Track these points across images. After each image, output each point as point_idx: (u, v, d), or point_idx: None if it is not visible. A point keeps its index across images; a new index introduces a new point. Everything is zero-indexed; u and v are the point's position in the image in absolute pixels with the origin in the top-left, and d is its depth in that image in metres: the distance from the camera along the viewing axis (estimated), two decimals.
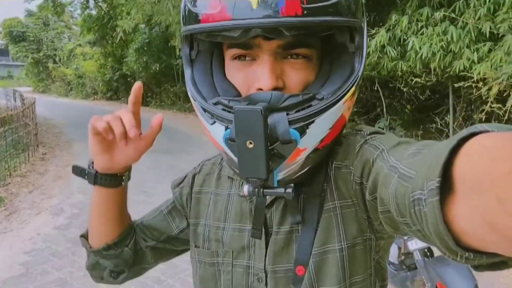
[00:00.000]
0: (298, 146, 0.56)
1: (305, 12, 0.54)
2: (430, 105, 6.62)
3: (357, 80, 0.61)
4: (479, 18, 4.61)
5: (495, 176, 0.28)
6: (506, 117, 4.52)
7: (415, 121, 6.75)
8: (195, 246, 0.79)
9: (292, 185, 0.59)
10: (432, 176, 0.35)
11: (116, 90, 19.35)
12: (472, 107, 5.92)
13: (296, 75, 0.61)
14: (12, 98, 13.14)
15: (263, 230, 0.70)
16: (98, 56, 19.22)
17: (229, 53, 0.63)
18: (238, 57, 0.63)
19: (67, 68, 24.15)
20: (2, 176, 6.07)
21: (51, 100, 21.88)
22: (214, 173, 0.82)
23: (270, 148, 0.53)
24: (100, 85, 19.84)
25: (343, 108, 0.60)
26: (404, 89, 6.11)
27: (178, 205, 0.85)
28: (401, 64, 5.66)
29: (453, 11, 4.88)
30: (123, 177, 0.77)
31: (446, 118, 6.02)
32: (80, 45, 22.53)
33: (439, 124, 5.92)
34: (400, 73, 5.94)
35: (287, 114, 0.56)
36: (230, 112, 0.58)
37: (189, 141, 9.06)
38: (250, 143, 0.50)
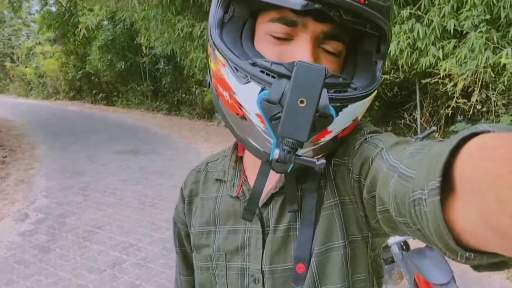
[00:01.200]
0: (327, 127, 0.56)
1: (367, 2, 0.56)
2: (398, 102, 6.78)
3: (377, 87, 0.64)
4: (443, 16, 4.76)
5: (496, 177, 0.28)
6: (471, 112, 4.69)
7: (385, 117, 6.90)
8: (193, 252, 0.79)
9: (323, 155, 0.57)
10: (432, 176, 0.35)
11: (79, 90, 18.65)
12: (439, 102, 6.11)
13: (328, 64, 0.62)
14: None
15: (260, 229, 0.69)
16: (59, 55, 18.44)
17: (268, 27, 0.62)
18: (274, 34, 0.62)
19: (26, 67, 23.05)
20: None
21: (9, 100, 20.83)
22: (200, 180, 0.82)
23: None
24: (62, 84, 19.06)
25: (367, 104, 0.62)
26: None
27: (182, 227, 0.84)
28: None
29: (419, 8, 5.00)
30: None
31: (414, 114, 6.19)
32: (39, 43, 21.54)
33: (407, 120, 6.07)
34: None
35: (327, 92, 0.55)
36: (269, 75, 0.56)
37: (158, 141, 8.88)
38: (302, 101, 0.48)
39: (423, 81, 5.33)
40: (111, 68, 14.47)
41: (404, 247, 2.41)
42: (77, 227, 4.25)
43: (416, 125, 6.16)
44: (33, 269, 3.40)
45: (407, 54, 5.22)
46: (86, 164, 7.03)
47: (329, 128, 0.57)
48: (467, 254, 0.34)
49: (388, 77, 5.69)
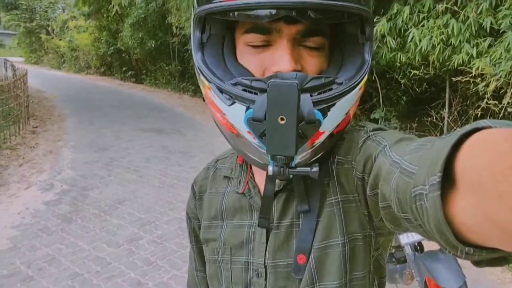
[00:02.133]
0: (319, 128, 0.57)
1: None
2: (426, 98, 6.61)
3: (368, 70, 0.63)
4: (480, 13, 4.58)
5: (496, 171, 0.28)
6: (501, 114, 4.53)
7: (411, 114, 6.75)
8: (203, 245, 0.82)
9: (317, 164, 0.57)
10: (434, 171, 0.35)
11: (110, 65, 19.01)
12: (468, 102, 5.93)
13: (312, 62, 0.63)
14: (3, 67, 12.85)
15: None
16: (93, 30, 18.77)
17: (245, 38, 0.63)
18: (252, 45, 0.63)
19: (60, 40, 23.61)
20: None
21: (43, 72, 21.48)
22: (209, 177, 0.84)
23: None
24: (94, 59, 19.47)
25: (358, 94, 0.62)
26: (402, 81, 6.09)
27: (195, 222, 0.86)
28: (400, 55, 5.62)
29: (455, 4, 4.83)
30: None
31: (441, 112, 6.02)
32: (74, 17, 22.00)
33: (434, 118, 5.92)
34: (398, 64, 5.91)
35: (311, 96, 0.56)
36: (251, 92, 0.58)
37: (182, 122, 9.00)
38: (282, 119, 0.49)
39: (454, 79, 5.17)
40: (141, 46, 14.62)
41: (418, 248, 2.40)
42: (99, 201, 4.41)
43: (443, 124, 6.01)
44: (55, 237, 3.57)
45: (440, 50, 5.06)
46: (112, 139, 7.23)
47: (321, 129, 0.58)
48: (467, 249, 0.34)
49: (417, 72, 5.54)
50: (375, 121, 7.03)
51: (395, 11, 5.41)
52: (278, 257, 0.69)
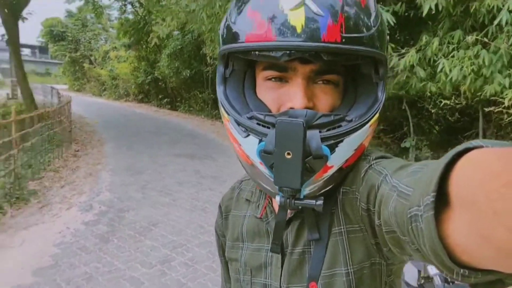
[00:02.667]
0: (327, 163, 0.59)
1: (344, 40, 0.58)
2: (459, 127, 6.54)
3: (380, 108, 0.65)
4: None
5: (490, 190, 0.28)
6: None
7: (443, 143, 6.67)
8: (228, 263, 0.87)
9: (322, 197, 0.59)
10: (427, 191, 0.36)
11: (147, 93, 19.87)
12: (503, 132, 5.82)
13: (325, 98, 0.65)
14: (50, 94, 13.72)
15: (280, 250, 0.73)
16: (132, 60, 19.82)
17: (264, 74, 0.67)
18: (271, 79, 0.66)
19: (101, 69, 24.98)
20: (37, 170, 6.39)
21: (85, 98, 22.67)
22: (233, 198, 0.88)
23: (304, 162, 0.55)
24: (133, 87, 20.43)
25: (368, 131, 0.64)
26: (433, 110, 6.07)
27: (222, 239, 0.90)
28: (430, 85, 5.64)
29: (486, 35, 4.85)
30: None
31: None
32: (115, 47, 23.31)
33: None
34: (429, 94, 5.92)
35: (319, 132, 0.59)
36: (265, 126, 0.61)
37: (215, 147, 9.24)
38: (288, 153, 0.53)
39: (487, 109, 5.13)
40: (177, 75, 15.28)
41: (450, 280, 2.38)
42: (134, 222, 4.61)
43: None
44: (93, 256, 3.76)
45: (471, 80, 5.06)
46: (147, 163, 7.53)
47: (329, 163, 0.60)
48: (462, 271, 0.35)
49: (448, 102, 5.53)
50: (406, 150, 6.98)
51: (423, 42, 5.48)
52: (292, 282, 0.71)
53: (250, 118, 0.64)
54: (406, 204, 0.42)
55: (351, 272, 0.66)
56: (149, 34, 13.74)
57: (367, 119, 0.63)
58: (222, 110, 0.68)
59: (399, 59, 5.72)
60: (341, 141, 0.60)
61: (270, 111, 0.66)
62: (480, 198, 0.29)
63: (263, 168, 0.63)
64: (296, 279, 0.71)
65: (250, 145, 0.62)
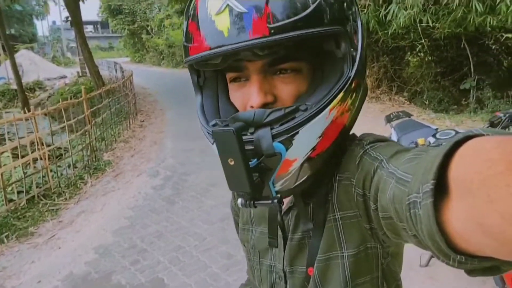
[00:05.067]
0: (286, 157, 0.58)
1: (273, 31, 0.55)
2: None
3: (346, 84, 0.61)
4: None
5: (487, 177, 0.28)
6: None
7: (506, 81, 6.18)
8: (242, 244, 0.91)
9: (279, 195, 0.60)
10: (427, 179, 0.36)
11: None
12: None
13: (287, 88, 0.63)
14: (113, 69, 14.60)
15: (282, 235, 0.76)
16: None
17: (228, 76, 0.68)
18: (234, 79, 0.67)
19: (158, 38, 25.71)
20: (109, 142, 7.04)
21: (146, 69, 23.69)
22: None
23: (258, 162, 0.57)
24: None
25: (331, 115, 0.60)
26: (493, 46, 5.62)
27: (237, 218, 0.94)
28: (490, 19, 5.21)
29: None
30: None
31: None
32: (169, 15, 23.73)
33: None
34: (489, 29, 5.47)
35: (272, 128, 0.58)
36: None
37: None
38: (231, 160, 0.53)
39: None
40: None
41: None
42: (196, 184, 5.01)
43: None
44: (161, 216, 4.21)
45: None
46: None
47: (290, 157, 0.59)
48: (459, 257, 0.35)
49: (510, 35, 5.09)
50: (466, 91, 6.57)
51: None
52: (294, 264, 0.74)
53: (214, 125, 0.66)
54: (405, 190, 0.42)
55: (345, 255, 0.67)
56: None
57: (325, 103, 0.59)
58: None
59: None
60: (296, 133, 0.58)
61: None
62: (477, 186, 0.29)
63: None
64: (298, 261, 0.74)
65: (215, 153, 0.61)
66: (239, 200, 0.59)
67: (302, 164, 0.61)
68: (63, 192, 5.02)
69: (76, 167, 5.71)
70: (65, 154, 5.66)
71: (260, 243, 0.80)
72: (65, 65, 29.86)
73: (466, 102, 6.58)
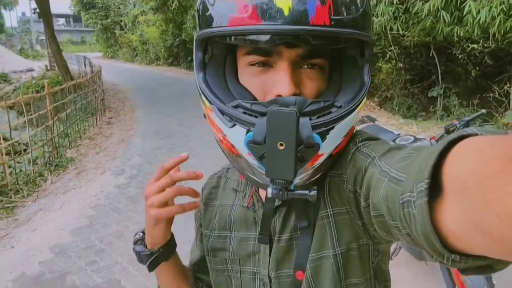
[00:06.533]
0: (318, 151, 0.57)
1: (333, 23, 0.55)
2: (490, 73, 6.21)
3: (367, 90, 0.63)
4: None
5: (482, 176, 0.28)
6: None
7: (472, 90, 6.38)
8: (206, 255, 0.84)
9: (315, 187, 0.57)
10: (421, 178, 0.36)
11: (176, 56, 20.03)
12: None
13: (311, 84, 0.62)
14: (83, 64, 14.19)
15: (267, 238, 0.73)
16: (160, 23, 19.84)
17: (246, 59, 0.63)
18: (254, 64, 0.63)
19: (132, 34, 25.24)
20: (73, 138, 6.79)
21: (119, 65, 23.22)
22: (220, 186, 0.85)
23: (296, 150, 0.53)
24: (162, 51, 20.61)
25: (357, 117, 0.62)
26: (460, 56, 5.78)
27: (198, 223, 0.89)
28: (458, 29, 5.35)
29: None
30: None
31: (505, 87, 5.64)
32: (144, 11, 23.33)
33: (497, 93, 5.57)
34: (456, 39, 5.63)
35: (310, 119, 0.57)
36: (251, 115, 0.58)
37: None
38: (281, 144, 0.50)
39: None
40: None
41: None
42: None
43: (509, 100, 5.63)
44: (124, 216, 4.07)
45: (500, 21, 4.76)
46: (175, 127, 7.79)
47: (320, 151, 0.58)
48: (453, 256, 0.35)
49: (476, 46, 5.25)
50: (434, 99, 6.75)
51: None
52: (280, 268, 0.71)
53: (235, 106, 0.60)
54: (398, 189, 0.42)
55: (338, 253, 0.66)
56: None
57: (356, 104, 0.60)
58: (203, 98, 0.63)
59: (423, 4, 5.43)
60: (332, 128, 0.58)
61: (254, 99, 0.62)
62: (472, 185, 0.29)
63: (251, 160, 0.59)
64: (285, 265, 0.71)
65: (237, 136, 0.59)
66: (270, 190, 0.55)
67: (324, 161, 0.61)
68: (21, 189, 4.78)
69: (36, 164, 5.46)
70: (25, 149, 5.41)
71: (242, 249, 0.76)
72: (33, 58, 28.85)
73: (433, 109, 6.74)
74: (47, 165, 5.51)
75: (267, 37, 0.56)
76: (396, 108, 7.35)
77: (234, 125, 0.59)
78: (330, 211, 0.66)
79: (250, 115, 0.58)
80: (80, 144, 6.71)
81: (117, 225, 3.87)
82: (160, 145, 6.56)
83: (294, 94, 0.59)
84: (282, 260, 0.70)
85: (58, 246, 3.51)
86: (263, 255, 0.73)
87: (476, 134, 0.35)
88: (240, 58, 0.65)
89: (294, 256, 0.69)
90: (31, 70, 19.21)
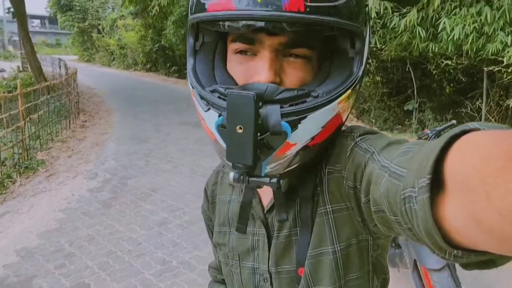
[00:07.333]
0: (288, 140, 0.56)
1: (308, 9, 0.54)
2: (463, 89, 6.42)
3: (355, 83, 0.62)
4: None
5: (485, 173, 0.28)
6: None
7: (446, 105, 6.58)
8: (213, 249, 0.89)
9: (278, 175, 0.58)
10: (423, 174, 0.35)
11: (155, 62, 19.83)
12: (508, 92, 5.71)
13: (294, 73, 0.62)
14: (57, 66, 13.84)
15: (266, 233, 0.73)
16: (139, 28, 19.66)
17: (232, 46, 0.64)
18: (240, 52, 0.64)
19: (110, 38, 24.89)
20: (45, 140, 6.57)
21: (95, 69, 22.79)
22: (218, 182, 0.86)
23: (260, 138, 0.53)
24: (141, 56, 20.39)
25: (337, 108, 0.60)
26: (434, 72, 5.96)
27: (209, 223, 0.90)
28: (433, 46, 5.52)
29: None
30: None
31: (478, 103, 5.84)
32: (123, 16, 23.09)
33: (470, 109, 5.76)
34: (431, 55, 5.80)
35: (281, 107, 0.56)
36: (225, 100, 0.57)
37: None
38: (240, 128, 0.50)
39: (486, 69, 5.03)
40: (184, 43, 15.11)
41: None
42: (136, 189, 4.77)
43: (480, 115, 5.83)
44: (95, 220, 3.94)
45: (473, 38, 4.94)
46: (152, 132, 7.66)
47: (292, 141, 0.57)
48: (455, 251, 0.35)
49: (450, 62, 5.43)
50: (409, 112, 6.93)
51: (425, 0, 5.32)
52: (280, 264, 0.71)
53: (212, 91, 0.61)
54: (399, 185, 0.42)
55: (337, 250, 0.66)
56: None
57: (336, 95, 0.59)
58: (188, 82, 0.66)
59: (399, 19, 5.59)
60: (304, 117, 0.57)
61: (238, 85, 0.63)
62: (474, 182, 0.29)
63: (222, 143, 0.60)
64: (284, 261, 0.71)
65: (211, 119, 0.60)
66: (231, 174, 0.55)
67: (297, 151, 0.60)
68: None
69: (5, 165, 5.24)
70: None
71: (240, 244, 0.77)
72: (5, 58, 28.04)
73: (409, 123, 6.90)
74: (16, 166, 5.30)
75: (241, 23, 0.57)
76: (373, 121, 7.48)
77: (209, 109, 0.60)
78: (329, 207, 0.66)
79: (223, 99, 0.58)
80: (51, 147, 6.49)
81: (88, 229, 3.74)
82: (135, 150, 6.43)
83: (273, 82, 0.59)
84: (282, 256, 0.71)
85: (24, 249, 3.36)
86: (262, 251, 0.73)
87: (478, 129, 0.35)
88: (228, 46, 0.66)
89: (294, 252, 0.69)
90: (2, 70, 18.60)
